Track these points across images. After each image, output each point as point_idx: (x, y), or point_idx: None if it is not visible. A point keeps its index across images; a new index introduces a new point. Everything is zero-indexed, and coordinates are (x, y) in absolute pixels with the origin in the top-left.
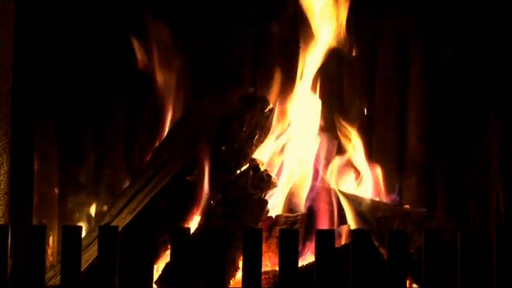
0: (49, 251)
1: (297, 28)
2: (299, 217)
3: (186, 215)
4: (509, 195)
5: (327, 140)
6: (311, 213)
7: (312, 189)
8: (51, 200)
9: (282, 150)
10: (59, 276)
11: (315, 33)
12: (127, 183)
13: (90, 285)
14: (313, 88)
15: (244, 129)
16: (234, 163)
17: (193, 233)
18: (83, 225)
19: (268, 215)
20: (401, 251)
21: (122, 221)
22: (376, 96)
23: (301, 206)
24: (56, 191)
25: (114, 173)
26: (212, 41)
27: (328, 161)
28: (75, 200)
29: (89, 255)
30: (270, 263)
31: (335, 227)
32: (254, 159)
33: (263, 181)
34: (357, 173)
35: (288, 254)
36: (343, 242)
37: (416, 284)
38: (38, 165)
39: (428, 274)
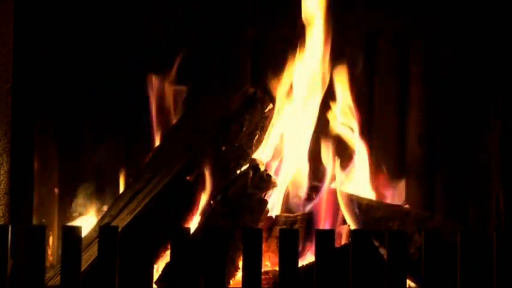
0: (49, 251)
1: (297, 29)
2: (299, 217)
3: (186, 215)
4: (509, 195)
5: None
6: (311, 213)
7: (312, 188)
8: (51, 200)
9: (281, 149)
10: (59, 276)
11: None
12: (127, 184)
13: (90, 285)
14: (313, 87)
15: (244, 129)
16: (234, 163)
17: (193, 233)
18: (83, 225)
19: (268, 215)
20: (401, 251)
21: (121, 221)
22: (376, 96)
23: (301, 206)
24: (56, 191)
25: (114, 173)
26: (212, 41)
27: (326, 161)
28: (75, 199)
29: (89, 255)
30: (270, 263)
31: (337, 227)
32: (254, 159)
33: (263, 181)
34: (358, 172)
35: (288, 254)
36: (343, 242)
37: (416, 284)
38: (38, 165)
39: (428, 274)
